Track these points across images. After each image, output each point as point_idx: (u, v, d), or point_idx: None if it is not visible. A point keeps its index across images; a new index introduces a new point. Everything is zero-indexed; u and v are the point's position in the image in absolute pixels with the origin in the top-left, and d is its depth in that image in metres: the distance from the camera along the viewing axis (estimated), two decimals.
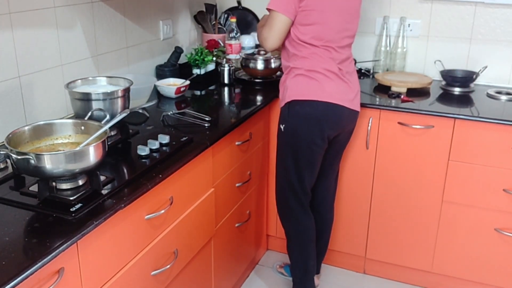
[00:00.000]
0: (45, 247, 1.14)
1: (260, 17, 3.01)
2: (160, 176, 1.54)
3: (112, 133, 1.78)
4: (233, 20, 2.76)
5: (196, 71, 2.59)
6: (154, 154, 1.66)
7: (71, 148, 1.46)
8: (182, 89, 2.34)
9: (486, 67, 2.56)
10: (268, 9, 1.99)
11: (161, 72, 2.55)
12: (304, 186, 2.15)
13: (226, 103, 2.43)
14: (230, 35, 2.74)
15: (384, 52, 2.76)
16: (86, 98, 1.69)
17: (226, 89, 2.56)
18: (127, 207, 1.39)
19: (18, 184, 1.46)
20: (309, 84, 2.00)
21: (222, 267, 2.17)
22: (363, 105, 2.28)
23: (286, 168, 2.14)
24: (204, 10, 2.91)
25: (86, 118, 1.61)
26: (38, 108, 1.88)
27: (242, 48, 2.79)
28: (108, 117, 1.62)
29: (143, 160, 1.62)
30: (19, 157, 1.28)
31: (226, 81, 2.59)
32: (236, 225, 2.27)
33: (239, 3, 3.04)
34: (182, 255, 1.75)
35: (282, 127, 2.09)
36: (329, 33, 1.98)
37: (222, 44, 2.74)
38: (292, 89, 2.03)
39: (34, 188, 1.39)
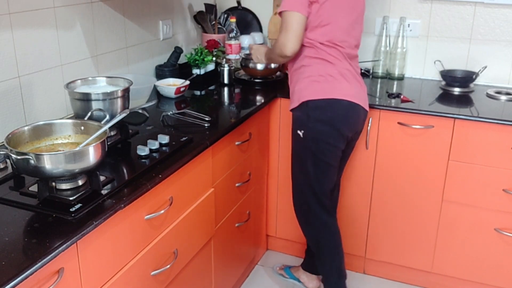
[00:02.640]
0: (45, 247, 1.14)
1: (259, 17, 3.02)
2: (160, 176, 1.54)
3: (112, 133, 1.78)
4: (233, 20, 2.76)
5: (195, 71, 2.59)
6: (154, 154, 1.66)
7: (71, 148, 1.46)
8: (181, 89, 2.34)
9: (485, 67, 2.56)
10: (280, 13, 1.92)
11: (161, 72, 2.55)
12: (325, 189, 2.09)
13: (226, 103, 2.42)
14: (230, 35, 2.74)
15: (383, 52, 2.76)
16: (85, 98, 1.69)
17: (225, 89, 2.56)
18: (126, 207, 1.39)
19: (18, 184, 1.46)
20: (327, 83, 1.95)
21: (222, 267, 2.17)
22: None
23: (306, 173, 2.07)
24: (203, 10, 2.91)
25: (85, 118, 1.61)
26: (38, 108, 1.88)
27: (242, 48, 2.79)
28: (107, 117, 1.62)
29: (143, 160, 1.62)
30: (18, 157, 1.28)
31: (225, 81, 2.59)
32: (236, 225, 2.27)
33: (238, 3, 3.04)
34: (182, 255, 1.75)
35: (300, 133, 2.01)
36: (339, 34, 1.95)
37: (221, 44, 2.74)
38: (308, 89, 1.96)
39: (34, 188, 1.39)
